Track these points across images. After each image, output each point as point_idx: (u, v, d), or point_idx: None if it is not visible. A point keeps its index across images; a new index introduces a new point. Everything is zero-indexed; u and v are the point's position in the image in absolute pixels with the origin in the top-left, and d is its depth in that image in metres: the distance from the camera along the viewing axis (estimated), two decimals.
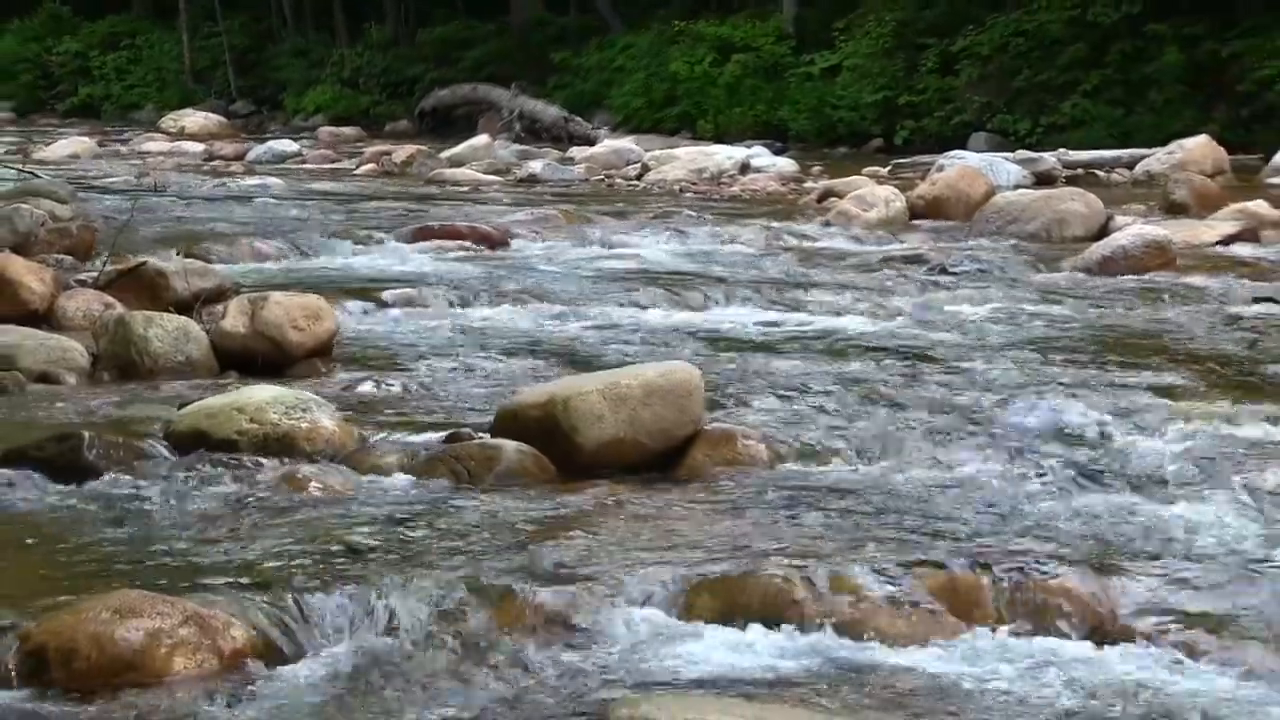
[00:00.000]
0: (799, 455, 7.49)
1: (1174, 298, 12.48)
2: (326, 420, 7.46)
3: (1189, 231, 15.67)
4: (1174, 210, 17.63)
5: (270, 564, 5.79)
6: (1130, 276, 13.53)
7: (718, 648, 5.29)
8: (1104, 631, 5.46)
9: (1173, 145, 22.76)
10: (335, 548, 5.99)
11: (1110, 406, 8.47)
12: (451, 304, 12.01)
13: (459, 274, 13.64)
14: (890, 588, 5.65)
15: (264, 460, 7.12)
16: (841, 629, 5.44)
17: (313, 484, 6.87)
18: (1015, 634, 5.47)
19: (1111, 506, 6.68)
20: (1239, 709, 4.86)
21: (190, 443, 7.30)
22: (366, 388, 8.94)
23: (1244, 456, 7.45)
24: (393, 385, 8.98)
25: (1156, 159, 22.57)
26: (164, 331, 9.29)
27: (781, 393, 8.79)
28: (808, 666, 5.17)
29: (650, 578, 5.73)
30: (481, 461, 7.09)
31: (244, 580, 5.59)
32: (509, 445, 7.17)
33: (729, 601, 5.58)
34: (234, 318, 9.48)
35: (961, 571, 5.75)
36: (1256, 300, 12.31)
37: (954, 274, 13.76)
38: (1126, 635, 5.41)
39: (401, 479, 7.03)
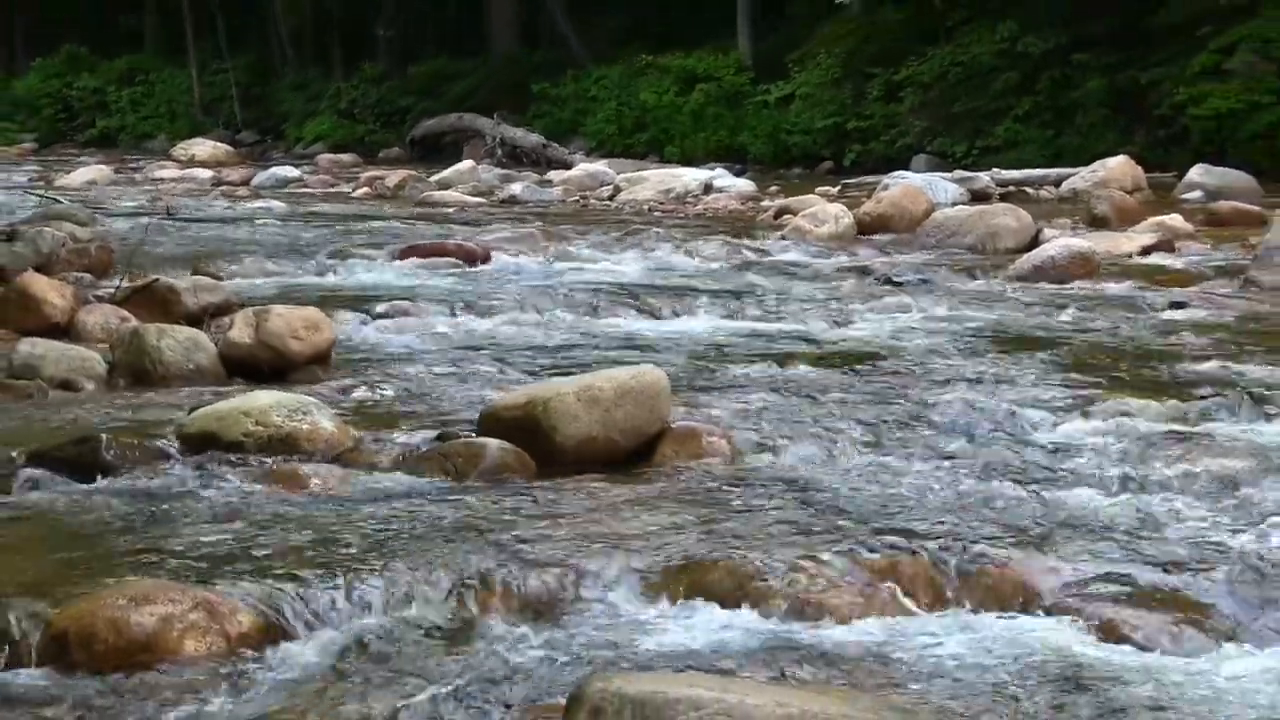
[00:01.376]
0: (757, 450, 7.49)
1: (1097, 303, 12.51)
2: (326, 422, 7.43)
3: (1110, 243, 15.71)
4: (1097, 224, 17.67)
5: (274, 554, 5.77)
6: (1058, 284, 13.55)
7: (684, 628, 5.28)
8: (1031, 606, 5.47)
9: (1096, 165, 22.82)
10: (333, 539, 5.97)
11: (1038, 401, 8.49)
12: (438, 315, 11.99)
13: (445, 288, 13.63)
14: (839, 570, 5.64)
15: (268, 459, 7.11)
16: (797, 609, 5.43)
17: (313, 480, 6.85)
18: (952, 611, 5.47)
19: (1036, 493, 6.69)
20: (1148, 675, 4.87)
21: (200, 444, 7.27)
22: (362, 392, 8.92)
23: (1156, 446, 7.47)
24: (386, 389, 8.96)
25: (1081, 177, 22.61)
26: (175, 342, 9.26)
27: (741, 393, 8.79)
28: (767, 643, 5.16)
29: (623, 563, 5.72)
30: (468, 458, 7.07)
31: (250, 569, 5.57)
32: (493, 443, 7.15)
33: (695, 584, 5.57)
34: (240, 329, 9.46)
35: (903, 554, 5.75)
36: (1172, 305, 12.35)
37: (898, 283, 13.78)
38: (1051, 610, 5.42)
39: (395, 475, 7.01)
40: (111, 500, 6.59)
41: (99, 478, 6.87)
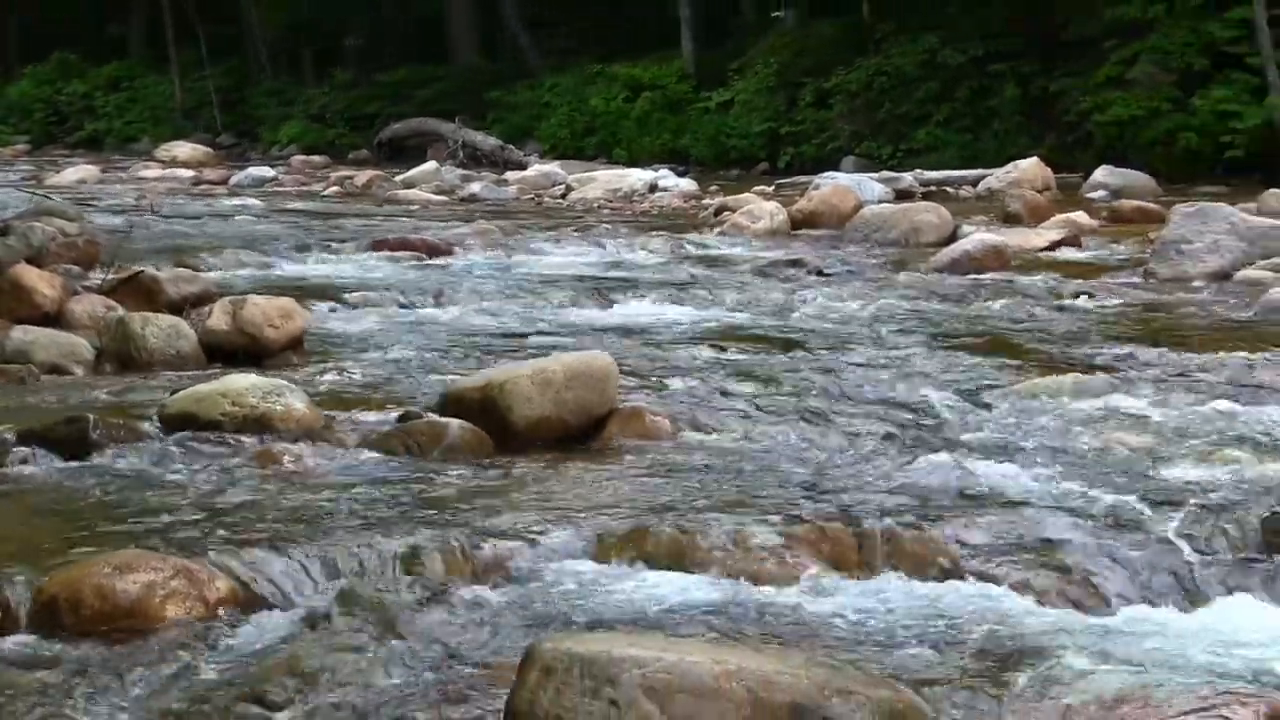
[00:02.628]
0: (695, 428, 7.49)
1: (1009, 292, 12.55)
2: (298, 404, 7.40)
3: (1022, 238, 15.77)
4: (1010, 220, 17.73)
5: (249, 526, 5.74)
6: (974, 275, 13.60)
7: (630, 591, 5.28)
8: (947, 571, 5.49)
9: (1009, 166, 22.90)
10: (305, 511, 5.95)
11: (954, 381, 8.52)
12: (403, 305, 11.96)
13: (410, 279, 13.59)
14: (772, 538, 5.65)
15: (244, 438, 7.07)
16: (734, 573, 5.44)
17: (285, 458, 6.83)
18: (877, 575, 5.48)
19: (950, 466, 6.70)
20: (1060, 634, 4.90)
21: (181, 424, 7.24)
22: (332, 375, 8.89)
23: (1063, 422, 7.52)
24: (354, 373, 8.94)
25: (996, 177, 22.69)
26: (158, 330, 9.22)
27: (682, 376, 8.79)
28: (707, 605, 5.16)
29: (572, 532, 5.71)
30: (430, 437, 7.05)
31: (227, 539, 5.54)
32: (453, 423, 7.14)
33: (640, 551, 5.57)
34: (218, 317, 9.42)
35: (829, 523, 5.76)
36: (1077, 295, 12.42)
37: (828, 274, 13.81)
38: (965, 574, 5.44)
39: (363, 453, 6.98)
40: (98, 476, 6.55)
41: (87, 455, 6.83)
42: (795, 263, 14.54)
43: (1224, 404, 7.87)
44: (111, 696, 4.49)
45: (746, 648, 4.54)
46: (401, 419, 7.39)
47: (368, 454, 6.98)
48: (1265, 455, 6.86)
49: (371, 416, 7.59)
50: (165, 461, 6.79)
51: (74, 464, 6.73)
